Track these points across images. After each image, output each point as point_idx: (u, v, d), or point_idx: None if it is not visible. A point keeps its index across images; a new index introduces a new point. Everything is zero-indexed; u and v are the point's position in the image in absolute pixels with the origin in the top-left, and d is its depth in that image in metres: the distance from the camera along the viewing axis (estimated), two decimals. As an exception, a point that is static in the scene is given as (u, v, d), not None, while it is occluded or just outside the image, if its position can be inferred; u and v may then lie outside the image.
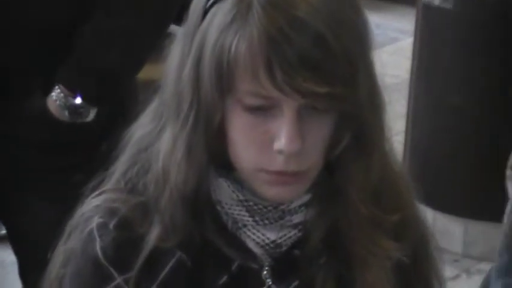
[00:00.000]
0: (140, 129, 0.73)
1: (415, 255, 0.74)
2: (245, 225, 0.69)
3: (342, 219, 0.70)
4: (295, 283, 0.71)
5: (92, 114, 1.19)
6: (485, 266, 2.13)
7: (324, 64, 0.60)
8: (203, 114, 0.64)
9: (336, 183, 0.69)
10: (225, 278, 0.70)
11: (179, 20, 0.78)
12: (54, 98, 1.17)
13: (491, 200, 2.36)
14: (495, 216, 2.34)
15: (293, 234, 0.70)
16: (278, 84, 0.59)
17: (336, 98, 0.61)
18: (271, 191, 0.66)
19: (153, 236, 0.68)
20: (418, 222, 0.76)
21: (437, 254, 0.76)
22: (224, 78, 0.62)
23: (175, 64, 0.67)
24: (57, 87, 1.16)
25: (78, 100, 1.16)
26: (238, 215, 0.69)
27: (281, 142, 0.61)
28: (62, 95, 1.16)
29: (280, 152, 0.62)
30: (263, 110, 0.62)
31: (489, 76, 2.45)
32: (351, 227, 0.70)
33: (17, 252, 1.37)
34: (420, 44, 2.60)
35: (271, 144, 0.62)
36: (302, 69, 0.59)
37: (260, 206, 0.68)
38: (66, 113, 1.17)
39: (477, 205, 2.40)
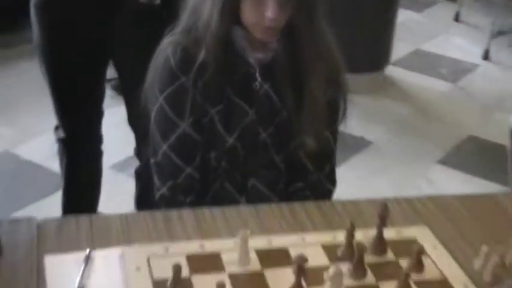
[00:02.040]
0: None
1: (336, 86, 1.42)
2: (247, 49, 1.34)
3: (300, 55, 1.35)
4: (271, 82, 1.37)
5: None
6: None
7: None
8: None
9: (295, 33, 1.33)
10: (237, 76, 1.36)
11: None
12: None
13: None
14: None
15: (272, 52, 1.36)
16: None
17: None
18: (261, 35, 1.32)
19: (201, 55, 1.32)
20: (341, 70, 1.42)
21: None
22: None
23: None
24: None
25: None
26: (244, 44, 1.33)
27: (268, 13, 1.25)
28: None
29: (268, 18, 1.26)
30: None
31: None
32: (305, 58, 1.36)
33: (119, 74, 1.96)
34: None
35: (264, 14, 1.25)
36: None
37: (256, 39, 1.33)
38: None
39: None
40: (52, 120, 1.96)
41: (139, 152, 1.92)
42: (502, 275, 1.09)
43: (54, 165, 2.17)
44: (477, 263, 1.14)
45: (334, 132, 1.46)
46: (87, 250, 1.11)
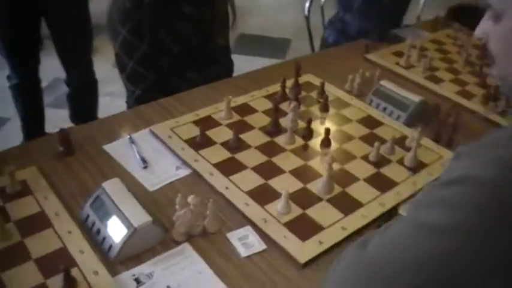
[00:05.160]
0: None
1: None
2: None
3: None
4: (194, 7, 1.94)
5: None
6: None
7: None
8: None
9: None
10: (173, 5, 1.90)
11: None
12: None
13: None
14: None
15: None
16: None
17: None
18: None
19: None
20: None
21: None
22: None
23: None
24: None
25: None
26: None
27: None
28: None
29: None
30: None
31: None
32: None
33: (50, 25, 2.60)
34: None
35: None
36: None
37: None
38: None
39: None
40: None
41: (70, 81, 2.70)
42: (363, 87, 1.90)
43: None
44: (347, 85, 1.93)
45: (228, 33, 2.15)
46: (127, 135, 1.59)
